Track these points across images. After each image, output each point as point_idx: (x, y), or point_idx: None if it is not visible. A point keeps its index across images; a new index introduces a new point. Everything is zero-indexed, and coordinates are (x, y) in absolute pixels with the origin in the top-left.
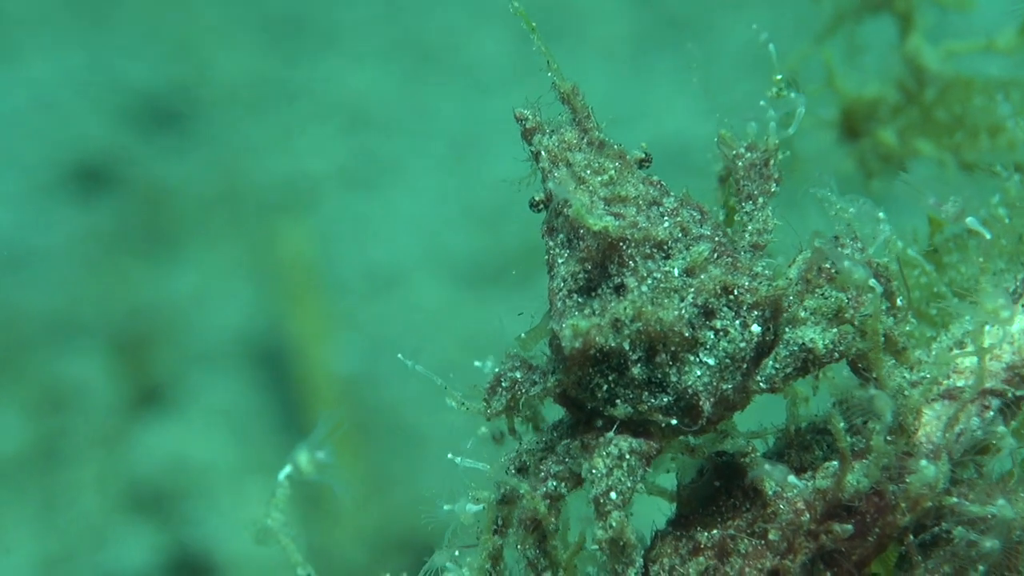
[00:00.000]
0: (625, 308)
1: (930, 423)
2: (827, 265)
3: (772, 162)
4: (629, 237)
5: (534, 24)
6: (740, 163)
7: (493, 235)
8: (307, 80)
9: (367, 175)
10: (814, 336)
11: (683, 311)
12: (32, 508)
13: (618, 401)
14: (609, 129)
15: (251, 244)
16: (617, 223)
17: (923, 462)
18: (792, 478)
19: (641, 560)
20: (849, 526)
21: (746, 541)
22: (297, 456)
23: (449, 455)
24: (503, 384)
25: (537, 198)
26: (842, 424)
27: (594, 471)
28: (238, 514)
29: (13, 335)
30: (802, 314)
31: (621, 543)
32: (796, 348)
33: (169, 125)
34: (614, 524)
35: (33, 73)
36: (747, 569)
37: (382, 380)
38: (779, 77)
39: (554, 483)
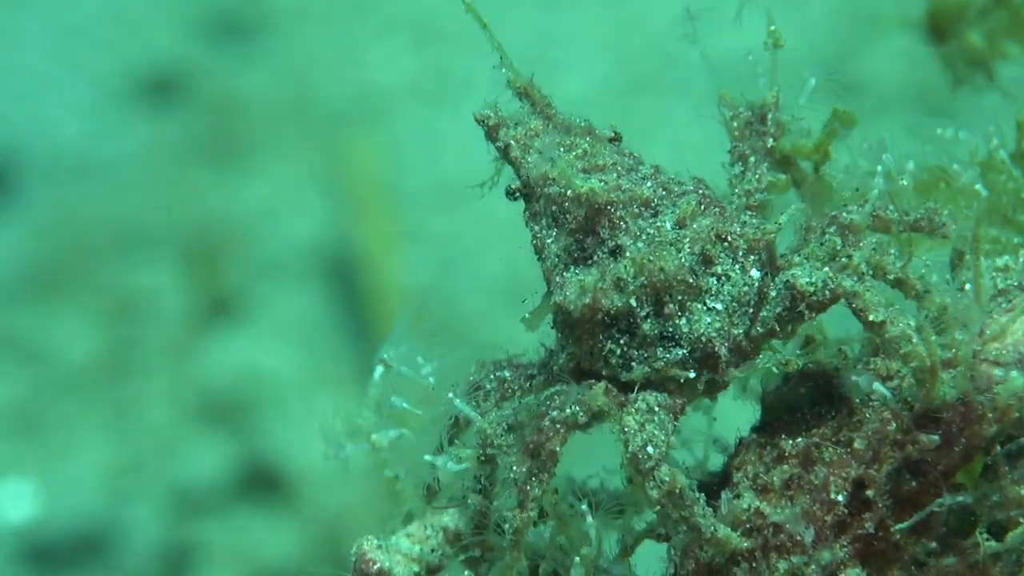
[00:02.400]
0: (626, 266)
1: (1018, 331)
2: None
3: (769, 117)
4: (616, 199)
5: (486, 21)
6: (736, 123)
7: None
8: None
9: (437, 88)
10: (796, 272)
11: (683, 259)
12: (103, 417)
13: (633, 364)
14: (682, 46)
15: (321, 156)
16: (603, 184)
17: (1013, 372)
18: (878, 386)
19: (702, 495)
20: (936, 436)
21: (831, 450)
22: (383, 354)
23: (450, 394)
24: (489, 386)
25: (514, 186)
26: (933, 336)
27: (626, 429)
28: (308, 425)
29: (84, 244)
30: (796, 259)
31: (677, 491)
32: (781, 286)
33: (239, 36)
34: (666, 479)
35: None
36: (832, 478)
37: (451, 293)
38: (773, 28)
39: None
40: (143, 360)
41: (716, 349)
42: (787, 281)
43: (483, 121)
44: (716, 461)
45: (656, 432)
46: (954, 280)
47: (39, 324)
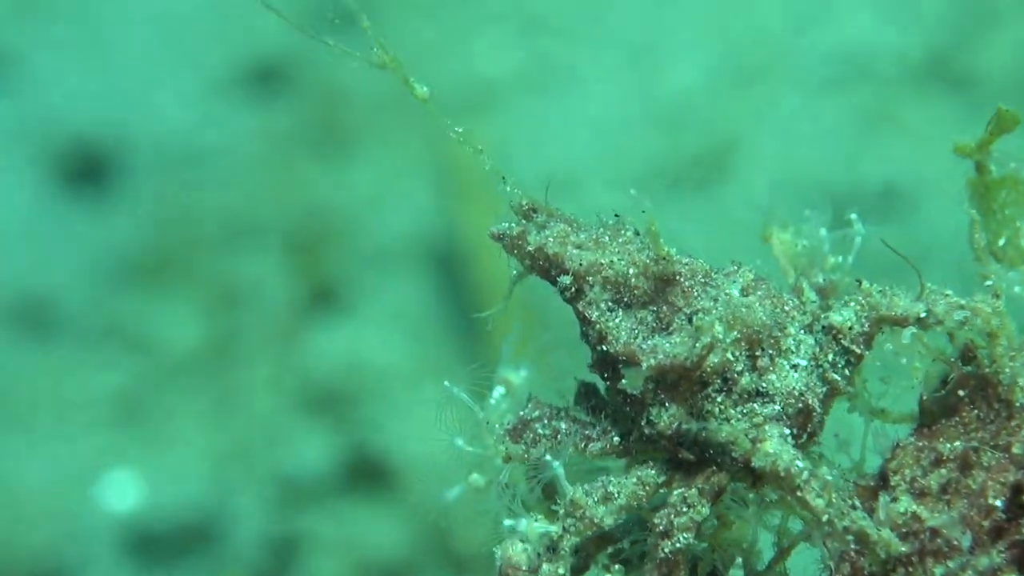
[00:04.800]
0: (715, 325)
1: None
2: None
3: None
4: (681, 270)
5: (480, 147)
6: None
7: (670, 140)
8: None
9: (543, 78)
10: (829, 315)
11: (764, 316)
12: (207, 406)
13: (732, 422)
14: (792, 36)
15: (427, 146)
16: (676, 251)
17: None
18: None
19: (856, 501)
20: None
21: (990, 454)
22: (504, 373)
23: (548, 456)
24: (542, 431)
25: (567, 281)
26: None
27: (770, 453)
28: (414, 416)
29: (189, 232)
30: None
31: (835, 497)
32: (820, 334)
33: (344, 25)
34: (829, 478)
35: None
36: (990, 483)
37: None
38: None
39: (684, 537)
40: (247, 349)
41: (809, 402)
42: (824, 326)
43: (504, 235)
44: (872, 463)
45: (797, 451)
46: None
47: (144, 312)
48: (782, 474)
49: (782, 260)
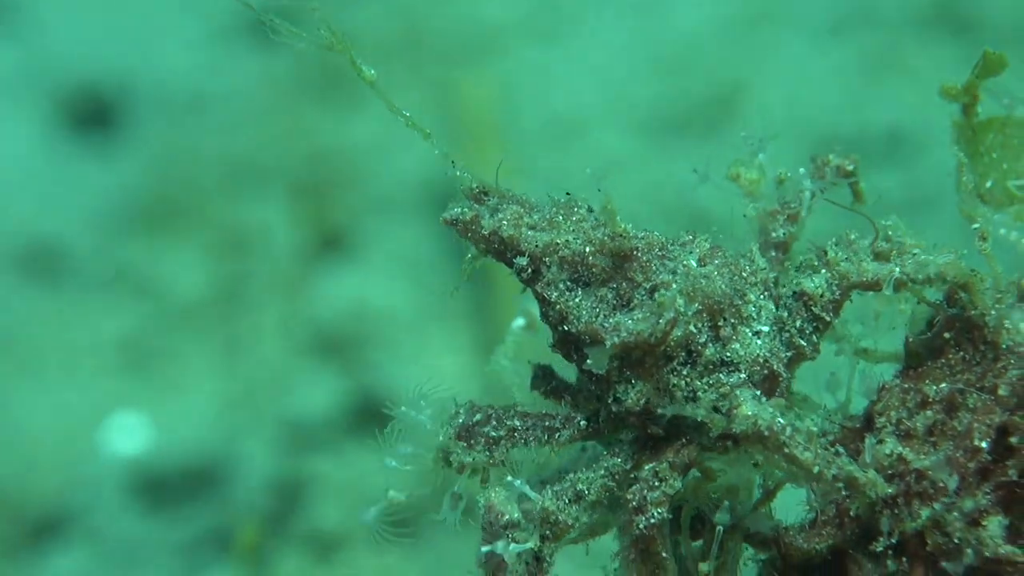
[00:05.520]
0: (676, 299)
1: None
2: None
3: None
4: (638, 245)
5: (428, 131)
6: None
7: (677, 85)
8: None
9: (549, 25)
10: (800, 280)
11: (724, 285)
12: (214, 351)
13: (699, 394)
14: None
15: (432, 92)
16: (631, 227)
17: None
18: None
19: (839, 447)
20: None
21: (975, 396)
22: (531, 307)
23: (509, 477)
24: (496, 434)
25: (523, 262)
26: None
27: (748, 416)
28: (419, 361)
29: (195, 178)
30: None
31: (820, 447)
32: (791, 300)
33: None
34: (814, 429)
35: None
36: (976, 424)
37: None
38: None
39: (658, 512)
40: (254, 294)
41: (775, 367)
42: (795, 292)
43: (457, 220)
44: (857, 405)
45: (773, 409)
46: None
47: (150, 258)
48: (765, 433)
49: (748, 198)
